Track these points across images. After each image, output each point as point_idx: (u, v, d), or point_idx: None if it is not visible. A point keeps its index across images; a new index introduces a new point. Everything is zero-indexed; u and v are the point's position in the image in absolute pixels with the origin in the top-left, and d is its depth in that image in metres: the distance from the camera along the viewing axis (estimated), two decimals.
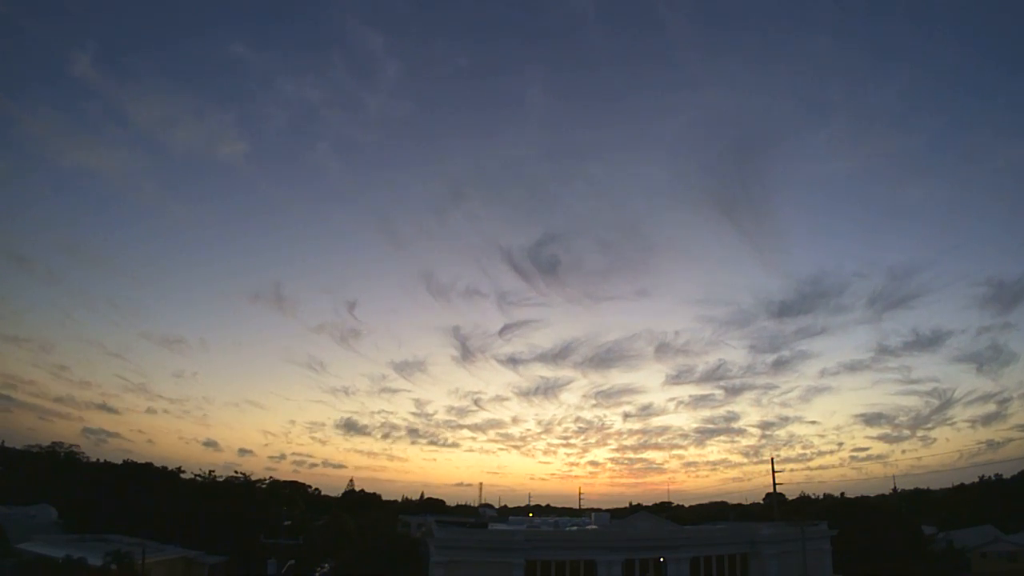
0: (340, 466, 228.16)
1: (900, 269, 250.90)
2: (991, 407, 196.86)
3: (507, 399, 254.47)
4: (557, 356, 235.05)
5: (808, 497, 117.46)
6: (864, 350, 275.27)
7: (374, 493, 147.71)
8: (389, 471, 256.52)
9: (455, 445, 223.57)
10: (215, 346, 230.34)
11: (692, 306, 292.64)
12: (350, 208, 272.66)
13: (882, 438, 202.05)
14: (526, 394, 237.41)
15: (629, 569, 47.25)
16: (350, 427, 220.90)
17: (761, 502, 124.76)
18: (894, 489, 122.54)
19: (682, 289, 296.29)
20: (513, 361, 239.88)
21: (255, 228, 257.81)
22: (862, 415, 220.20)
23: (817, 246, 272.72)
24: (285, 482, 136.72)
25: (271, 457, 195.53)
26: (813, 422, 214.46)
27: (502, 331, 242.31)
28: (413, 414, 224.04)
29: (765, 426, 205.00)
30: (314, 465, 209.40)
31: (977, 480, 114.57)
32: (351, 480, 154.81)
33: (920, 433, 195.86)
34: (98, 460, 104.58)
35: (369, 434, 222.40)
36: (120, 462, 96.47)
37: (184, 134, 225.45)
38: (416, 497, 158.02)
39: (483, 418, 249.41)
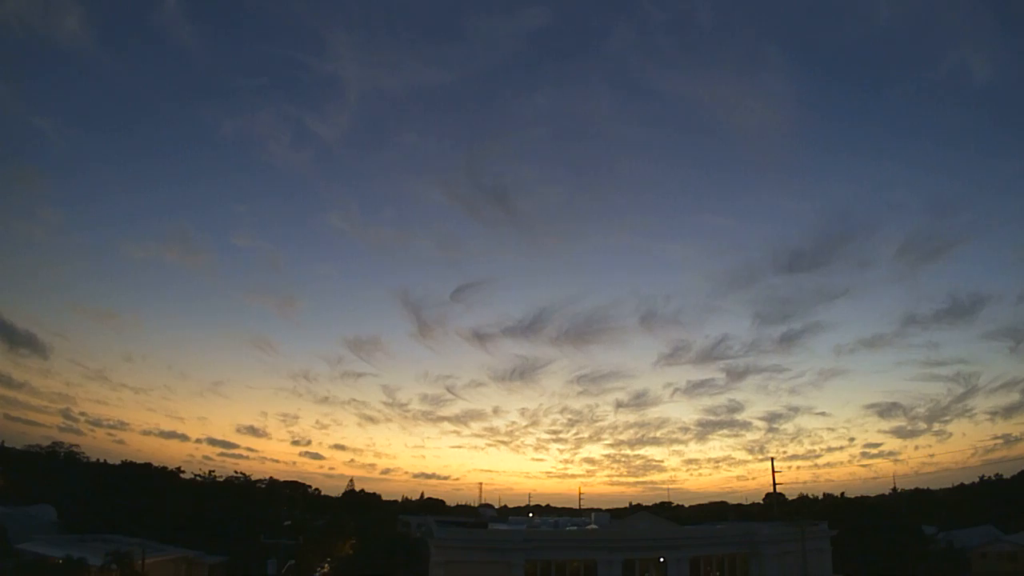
0: (328, 461, 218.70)
1: (944, 198, 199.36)
2: (1015, 396, 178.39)
3: (482, 384, 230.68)
4: (528, 329, 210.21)
5: (808, 497, 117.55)
6: (888, 320, 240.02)
7: (374, 493, 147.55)
8: (378, 469, 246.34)
9: (439, 440, 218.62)
10: (149, 321, 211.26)
11: (683, 255, 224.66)
12: (225, 107, 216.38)
13: (895, 432, 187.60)
14: (502, 378, 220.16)
15: (629, 569, 47.19)
16: (326, 421, 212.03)
17: (761, 502, 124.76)
18: (894, 489, 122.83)
19: (669, 228, 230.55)
20: (479, 336, 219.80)
21: (135, 149, 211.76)
22: (876, 405, 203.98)
23: (845, 159, 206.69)
24: (285, 482, 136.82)
25: (251, 450, 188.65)
26: (823, 413, 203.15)
27: (456, 294, 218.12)
28: (386, 404, 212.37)
29: (771, 418, 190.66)
30: (301, 461, 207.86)
31: (977, 480, 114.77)
32: (351, 480, 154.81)
33: (936, 427, 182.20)
34: (98, 460, 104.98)
35: (346, 427, 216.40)
36: (119, 462, 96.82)
37: (14, 6, 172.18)
38: (416, 497, 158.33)
39: (461, 408, 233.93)
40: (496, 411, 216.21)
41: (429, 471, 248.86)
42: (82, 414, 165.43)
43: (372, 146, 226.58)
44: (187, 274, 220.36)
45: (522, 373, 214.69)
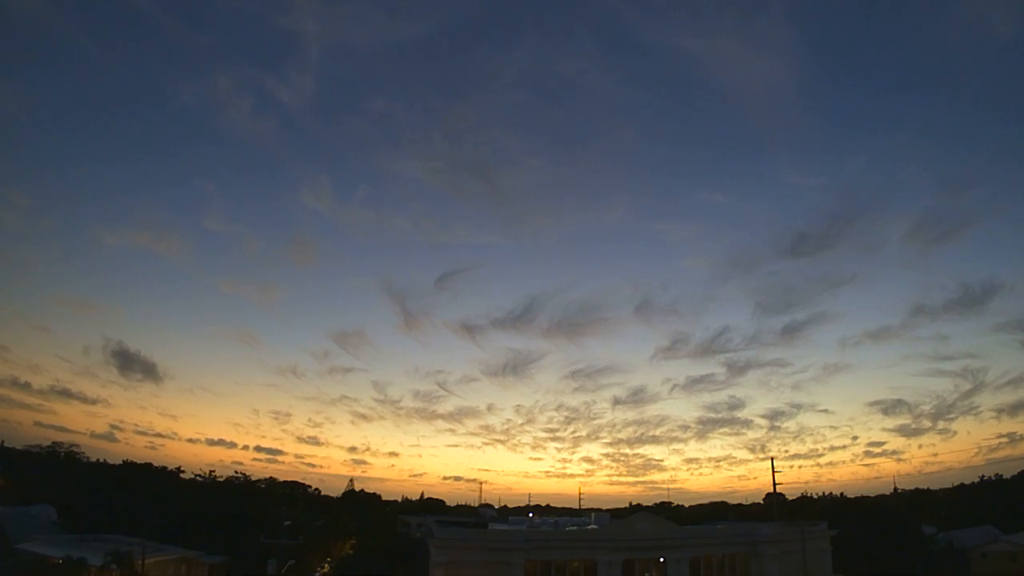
0: (322, 461, 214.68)
1: (959, 171, 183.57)
2: (1022, 393, 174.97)
3: (474, 379, 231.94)
4: (519, 320, 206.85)
5: (808, 497, 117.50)
6: (896, 310, 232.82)
7: (374, 493, 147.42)
8: (374, 468, 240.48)
9: (435, 439, 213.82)
10: (129, 312, 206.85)
11: (680, 236, 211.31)
12: (182, 71, 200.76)
13: (899, 430, 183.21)
14: (494, 373, 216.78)
15: (629, 569, 47.20)
16: (319, 419, 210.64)
17: (761, 502, 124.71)
18: (894, 489, 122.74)
19: (665, 206, 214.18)
20: (467, 328, 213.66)
21: (96, 125, 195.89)
22: (881, 402, 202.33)
23: (852, 126, 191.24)
24: (285, 482, 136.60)
25: (245, 448, 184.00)
26: (826, 411, 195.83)
27: (440, 281, 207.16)
28: (377, 401, 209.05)
29: (773, 415, 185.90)
30: (295, 460, 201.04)
31: (977, 480, 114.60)
32: (351, 480, 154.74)
33: (941, 425, 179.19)
34: (98, 460, 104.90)
35: (340, 425, 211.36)
36: (119, 462, 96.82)
37: None
38: (416, 497, 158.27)
39: (454, 405, 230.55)
40: (490, 408, 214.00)
41: (427, 471, 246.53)
42: (135, 425, 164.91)
43: (339, 113, 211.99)
44: (161, 261, 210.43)
45: (514, 368, 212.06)
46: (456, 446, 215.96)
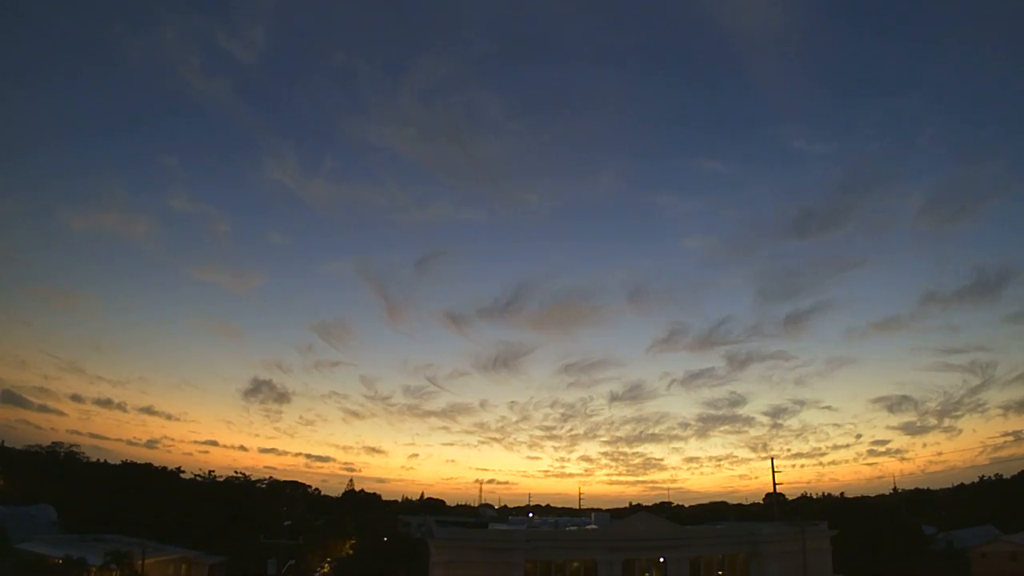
0: (319, 459, 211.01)
1: (976, 139, 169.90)
2: None
3: (465, 374, 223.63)
4: (506, 309, 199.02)
5: (808, 497, 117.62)
6: (906, 298, 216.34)
7: (374, 493, 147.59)
8: (372, 468, 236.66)
9: (429, 438, 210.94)
10: (111, 304, 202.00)
11: (676, 211, 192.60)
12: (127, 23, 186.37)
13: (904, 428, 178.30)
14: (485, 368, 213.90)
15: (629, 569, 47.17)
16: (310, 416, 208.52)
17: (761, 502, 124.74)
18: (894, 489, 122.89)
19: (659, 175, 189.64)
20: (454, 319, 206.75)
21: (46, 92, 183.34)
22: (886, 399, 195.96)
23: (864, 86, 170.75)
24: (285, 482, 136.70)
25: (241, 448, 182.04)
26: (829, 407, 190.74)
27: (421, 264, 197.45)
28: (368, 397, 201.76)
29: (775, 412, 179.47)
30: (292, 459, 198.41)
31: (977, 480, 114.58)
32: (351, 480, 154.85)
33: (947, 422, 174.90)
34: (98, 460, 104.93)
35: (332, 423, 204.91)
36: (119, 462, 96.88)
37: None
38: (415, 497, 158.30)
39: (447, 402, 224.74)
40: (484, 405, 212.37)
41: (425, 470, 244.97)
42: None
43: (296, 70, 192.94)
44: (129, 245, 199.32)
45: (505, 361, 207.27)
46: (451, 444, 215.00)
